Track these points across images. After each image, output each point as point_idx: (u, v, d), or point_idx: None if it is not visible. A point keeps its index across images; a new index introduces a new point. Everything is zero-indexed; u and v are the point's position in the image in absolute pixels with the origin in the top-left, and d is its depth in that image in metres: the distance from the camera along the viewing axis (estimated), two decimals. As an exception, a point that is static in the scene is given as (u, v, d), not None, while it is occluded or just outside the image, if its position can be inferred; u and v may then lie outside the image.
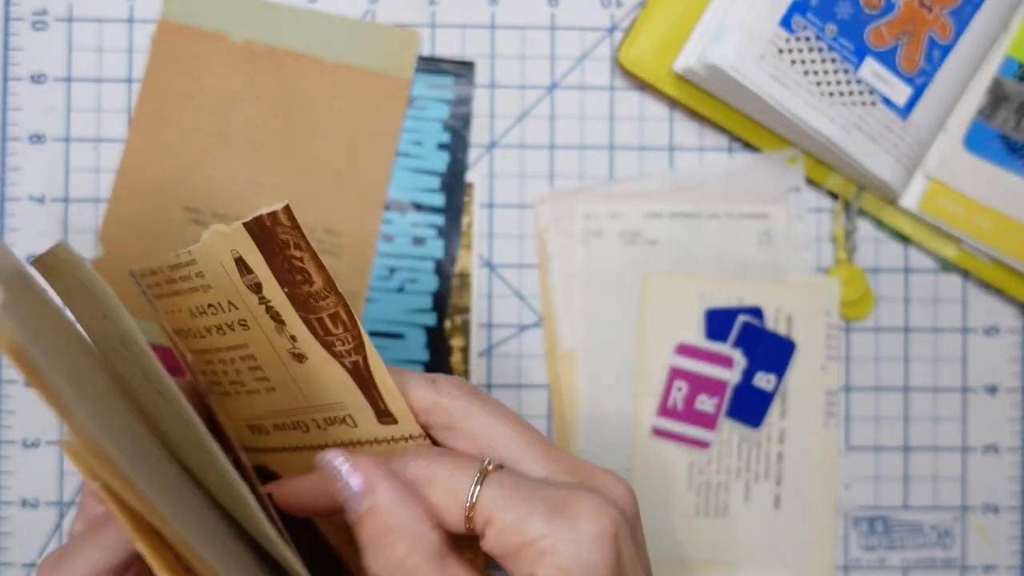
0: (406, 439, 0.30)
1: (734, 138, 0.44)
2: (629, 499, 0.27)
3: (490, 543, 0.26)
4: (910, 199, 0.43)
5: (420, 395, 0.28)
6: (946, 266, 0.45)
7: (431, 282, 0.44)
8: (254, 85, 0.43)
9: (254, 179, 0.43)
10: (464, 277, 0.44)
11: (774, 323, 0.43)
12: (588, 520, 0.25)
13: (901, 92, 0.41)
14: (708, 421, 0.43)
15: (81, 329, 0.31)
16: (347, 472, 0.26)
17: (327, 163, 0.43)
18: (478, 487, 0.26)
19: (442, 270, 0.44)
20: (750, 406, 0.43)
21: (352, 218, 0.43)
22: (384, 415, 0.29)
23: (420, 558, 0.25)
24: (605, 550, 0.25)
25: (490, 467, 0.26)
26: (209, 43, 0.43)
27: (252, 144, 0.43)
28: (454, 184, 0.44)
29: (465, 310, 0.44)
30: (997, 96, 0.43)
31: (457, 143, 0.44)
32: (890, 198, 0.44)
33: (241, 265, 0.27)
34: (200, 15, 0.43)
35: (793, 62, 0.40)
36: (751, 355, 0.43)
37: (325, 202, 0.43)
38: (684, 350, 0.43)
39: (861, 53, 0.41)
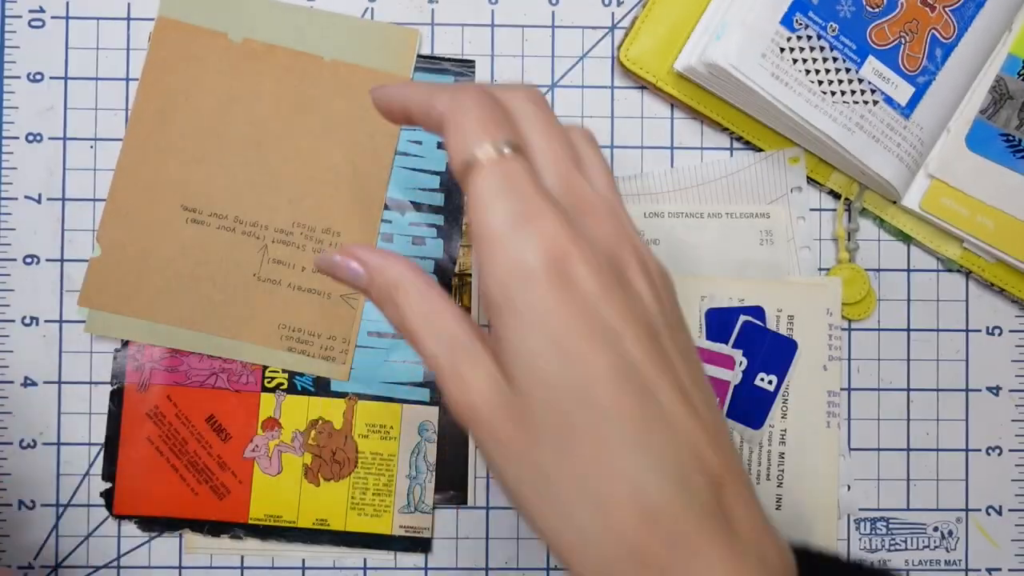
0: None
1: (735, 137, 0.44)
2: (610, 239, 0.27)
3: (467, 217, 0.26)
4: (912, 198, 0.43)
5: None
6: (948, 266, 0.45)
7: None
8: (253, 84, 0.42)
9: (252, 178, 0.42)
10: (464, 277, 0.44)
11: (775, 323, 0.43)
12: (542, 232, 0.24)
13: (903, 91, 0.41)
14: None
15: None
16: (343, 261, 0.28)
17: (326, 162, 0.43)
18: (484, 155, 0.25)
19: (442, 270, 0.43)
20: (751, 407, 0.43)
21: (351, 217, 0.42)
22: None
23: (414, 297, 0.27)
24: (545, 261, 0.24)
25: (506, 151, 0.26)
26: (208, 41, 0.42)
27: (250, 143, 0.42)
28: (454, 184, 0.43)
29: (465, 310, 0.44)
30: (1000, 95, 0.43)
31: (457, 142, 0.44)
32: (892, 197, 0.43)
33: None
34: (198, 13, 0.43)
35: (795, 61, 0.40)
36: (752, 355, 0.43)
37: (324, 201, 0.42)
38: (685, 350, 0.43)
39: (863, 52, 0.40)
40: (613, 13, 0.44)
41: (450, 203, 0.43)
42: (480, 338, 0.26)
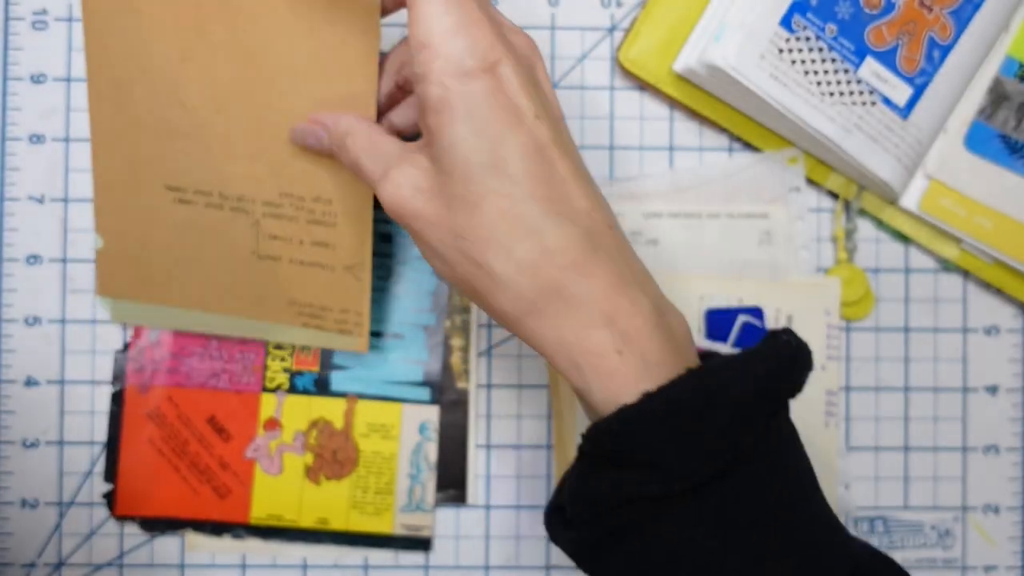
0: None
1: (734, 138, 0.44)
2: (527, 47, 0.32)
3: (407, 33, 0.30)
4: (910, 199, 0.43)
5: None
6: (946, 266, 0.45)
7: (431, 282, 0.44)
8: (203, 35, 0.36)
9: (226, 149, 0.37)
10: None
11: (774, 323, 0.43)
12: (475, 37, 0.29)
13: (901, 92, 0.41)
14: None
15: None
16: (309, 128, 0.35)
17: (301, 118, 0.36)
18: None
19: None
20: (750, 406, 0.43)
21: (341, 180, 0.37)
22: None
23: (358, 133, 0.33)
24: (475, 62, 0.29)
25: None
26: None
27: (215, 106, 0.37)
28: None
29: (465, 310, 0.44)
30: (997, 96, 0.43)
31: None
32: (890, 198, 0.44)
33: None
34: None
35: (793, 62, 0.40)
36: (751, 355, 0.43)
37: (309, 166, 0.37)
38: (684, 350, 0.43)
39: (861, 53, 0.41)
40: (612, 14, 0.44)
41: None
42: (409, 149, 0.31)
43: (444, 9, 0.29)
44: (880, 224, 0.45)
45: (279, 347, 0.44)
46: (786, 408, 0.30)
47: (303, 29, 0.35)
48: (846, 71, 0.41)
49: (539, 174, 0.29)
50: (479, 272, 0.29)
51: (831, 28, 0.40)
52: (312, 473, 0.44)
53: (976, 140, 0.43)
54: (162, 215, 0.39)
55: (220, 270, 0.40)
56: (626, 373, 0.28)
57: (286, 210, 0.38)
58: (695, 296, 0.43)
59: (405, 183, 0.30)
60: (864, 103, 0.41)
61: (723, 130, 0.44)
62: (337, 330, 0.40)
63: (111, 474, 0.43)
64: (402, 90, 0.36)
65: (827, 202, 0.45)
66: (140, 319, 0.42)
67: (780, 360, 0.29)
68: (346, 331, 0.40)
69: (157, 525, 0.43)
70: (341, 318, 0.40)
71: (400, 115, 0.36)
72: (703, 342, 0.43)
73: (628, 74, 0.44)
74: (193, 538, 0.44)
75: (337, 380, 0.44)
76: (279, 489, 0.44)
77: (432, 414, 0.44)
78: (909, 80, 0.41)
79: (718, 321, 0.43)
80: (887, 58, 0.41)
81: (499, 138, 0.29)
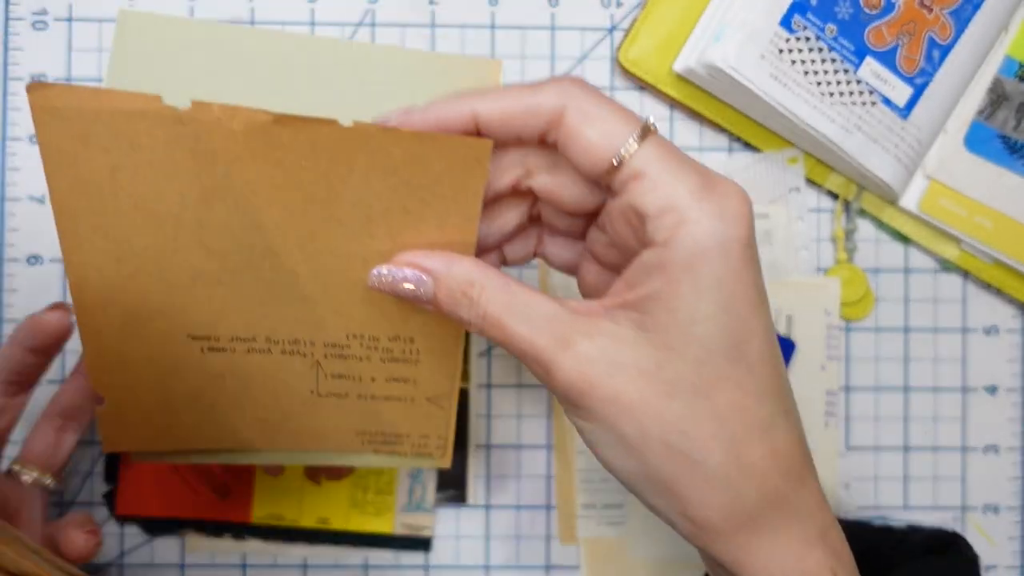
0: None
1: (734, 138, 0.44)
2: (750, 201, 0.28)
3: (632, 197, 0.26)
4: (910, 199, 0.43)
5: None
6: (946, 266, 0.45)
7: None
8: (233, 175, 0.27)
9: (275, 292, 0.30)
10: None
11: (774, 323, 0.43)
12: (735, 199, 0.25)
13: (901, 92, 0.41)
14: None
15: None
16: (399, 274, 0.28)
17: (378, 258, 0.29)
18: (637, 141, 0.26)
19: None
20: (750, 406, 0.43)
21: (426, 318, 0.31)
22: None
23: (488, 289, 0.27)
24: (743, 229, 0.25)
25: (652, 127, 0.26)
26: (144, 107, 0.26)
27: (257, 250, 0.29)
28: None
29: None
30: (997, 96, 0.43)
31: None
32: (890, 198, 0.44)
33: None
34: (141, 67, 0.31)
35: (793, 62, 0.40)
36: (751, 355, 0.43)
37: (387, 305, 0.30)
38: (684, 350, 0.43)
39: (861, 53, 0.41)
40: (612, 15, 0.44)
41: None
42: (592, 312, 0.26)
43: (688, 169, 0.25)
44: (880, 224, 0.45)
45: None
46: None
47: (389, 167, 0.27)
48: (846, 71, 0.41)
49: (772, 363, 0.26)
50: (688, 473, 0.25)
51: (831, 28, 0.40)
52: (312, 473, 0.44)
53: (976, 140, 0.43)
54: (187, 365, 0.32)
55: (270, 411, 0.34)
56: None
57: (355, 350, 0.32)
58: (695, 296, 0.43)
59: (600, 358, 0.25)
60: (864, 103, 0.41)
61: (723, 130, 0.44)
62: (415, 454, 0.35)
63: (111, 474, 0.43)
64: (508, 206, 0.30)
65: (827, 202, 0.45)
66: (166, 458, 0.36)
67: None
68: (425, 455, 0.35)
69: (157, 525, 0.43)
70: (420, 443, 0.35)
71: (519, 249, 0.31)
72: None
73: (628, 74, 0.44)
74: (193, 538, 0.44)
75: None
76: (279, 489, 0.44)
77: (432, 414, 0.44)
78: (909, 80, 0.41)
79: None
80: (887, 58, 0.41)
81: (745, 319, 0.25)
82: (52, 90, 0.25)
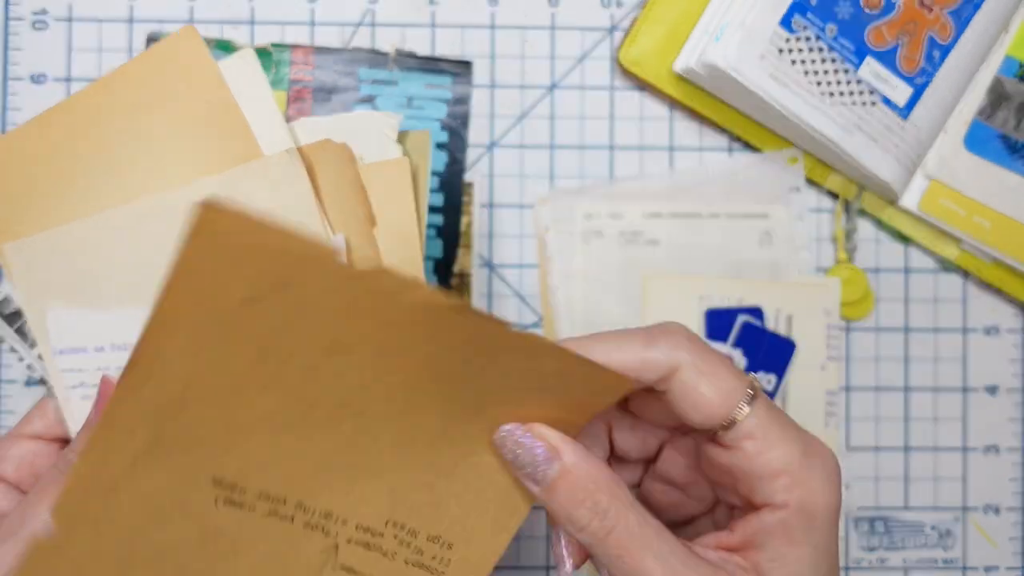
0: None
1: (734, 138, 0.44)
2: None
3: (738, 459, 0.27)
4: (910, 199, 0.43)
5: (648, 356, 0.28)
6: (946, 266, 0.45)
7: (431, 282, 0.44)
8: (395, 342, 0.25)
9: (341, 456, 0.28)
10: (464, 277, 0.44)
11: (774, 323, 0.43)
12: (831, 464, 0.27)
13: (901, 92, 0.41)
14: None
15: None
16: (530, 442, 0.27)
17: (460, 433, 0.28)
18: (748, 404, 0.27)
19: (442, 270, 0.44)
20: (750, 406, 0.43)
21: (475, 523, 0.28)
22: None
23: (621, 505, 0.26)
24: (838, 494, 0.27)
25: (759, 385, 0.28)
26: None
27: (348, 411, 0.27)
28: (453, 183, 0.44)
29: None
30: (997, 96, 0.43)
31: (455, 143, 0.44)
32: (890, 198, 0.44)
33: None
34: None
35: (793, 62, 0.40)
36: (751, 355, 0.43)
37: (443, 497, 0.28)
38: (684, 350, 0.43)
39: (861, 53, 0.41)
40: (612, 14, 0.44)
41: (449, 203, 0.44)
42: (703, 557, 0.27)
43: (794, 432, 0.28)
44: (880, 224, 0.45)
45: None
46: None
47: (535, 371, 0.26)
48: (846, 71, 0.41)
49: None
50: None
51: (831, 28, 0.40)
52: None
53: (976, 140, 0.43)
54: (186, 512, 0.27)
55: None
56: None
57: (386, 542, 0.28)
58: (695, 296, 0.43)
59: None
60: (864, 103, 0.41)
61: (723, 130, 0.44)
62: None
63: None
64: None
65: (827, 202, 0.45)
66: None
67: None
68: None
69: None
70: None
71: (671, 465, 0.31)
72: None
73: (628, 74, 0.44)
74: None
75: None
76: None
77: (432, 414, 0.43)
78: (909, 80, 0.41)
79: (718, 321, 0.43)
80: (887, 58, 0.41)
81: (835, 566, 0.28)
82: (225, 215, 0.21)
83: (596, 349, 0.27)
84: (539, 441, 0.27)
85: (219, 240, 0.21)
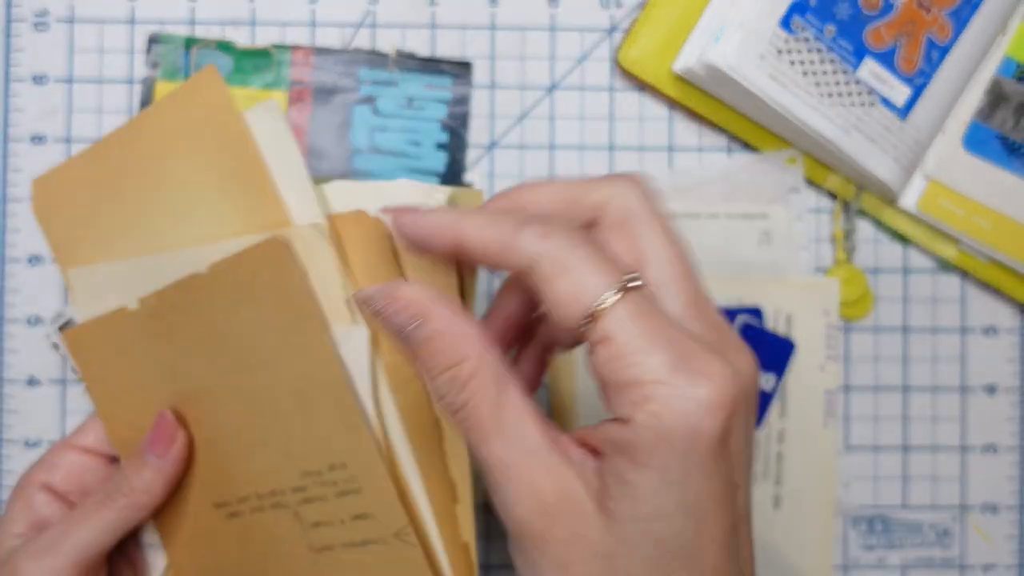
0: None
1: (733, 138, 0.44)
2: (754, 378, 0.25)
3: (596, 361, 0.24)
4: (909, 199, 0.43)
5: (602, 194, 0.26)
6: (945, 266, 0.45)
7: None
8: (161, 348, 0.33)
9: (240, 447, 0.33)
10: (464, 277, 0.44)
11: (773, 323, 0.44)
12: (711, 384, 0.23)
13: (900, 92, 0.41)
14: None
15: None
16: (395, 306, 0.25)
17: (272, 394, 0.31)
18: (612, 298, 0.23)
19: (442, 270, 0.44)
20: (749, 406, 0.43)
21: (344, 433, 0.31)
22: None
23: (484, 378, 0.24)
24: (716, 421, 0.22)
25: (632, 284, 0.24)
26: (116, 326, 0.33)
27: (205, 424, 0.33)
28: (453, 184, 0.44)
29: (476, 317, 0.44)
30: (996, 96, 0.43)
31: (455, 143, 0.44)
32: (889, 198, 0.44)
33: None
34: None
35: (792, 63, 0.40)
36: (750, 355, 0.43)
37: (312, 432, 0.31)
38: (683, 350, 0.43)
39: (860, 54, 0.41)
40: (612, 15, 0.44)
41: (449, 203, 0.44)
42: (558, 450, 0.24)
43: (667, 338, 0.23)
44: (879, 224, 0.45)
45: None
46: None
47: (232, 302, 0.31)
48: (845, 72, 0.41)
49: (726, 567, 0.24)
50: None
51: (830, 29, 0.40)
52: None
53: (974, 140, 0.43)
54: (221, 536, 0.34)
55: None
56: None
57: (314, 491, 0.32)
58: (694, 296, 0.43)
59: (562, 521, 0.24)
60: (863, 104, 0.41)
61: (722, 130, 0.44)
62: None
63: (112, 473, 0.44)
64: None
65: (826, 202, 0.45)
66: None
67: None
68: None
69: (158, 524, 0.44)
70: None
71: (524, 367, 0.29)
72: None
73: (628, 75, 0.44)
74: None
75: None
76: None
77: (432, 414, 0.44)
78: (908, 80, 0.41)
79: (717, 321, 0.43)
80: (886, 59, 0.41)
81: (706, 522, 0.23)
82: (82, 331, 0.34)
83: (469, 228, 0.25)
84: (403, 303, 0.25)
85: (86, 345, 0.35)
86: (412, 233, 0.27)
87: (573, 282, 0.23)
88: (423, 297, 0.25)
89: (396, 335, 0.25)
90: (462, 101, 0.44)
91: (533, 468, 0.24)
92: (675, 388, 0.22)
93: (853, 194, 0.44)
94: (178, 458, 0.33)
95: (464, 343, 0.24)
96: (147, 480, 0.32)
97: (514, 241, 0.24)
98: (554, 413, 0.44)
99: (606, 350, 0.23)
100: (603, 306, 0.23)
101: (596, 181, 0.26)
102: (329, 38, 0.44)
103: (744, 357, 0.25)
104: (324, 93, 0.44)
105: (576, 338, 0.25)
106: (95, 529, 0.32)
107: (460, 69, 0.44)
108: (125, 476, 0.33)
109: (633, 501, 0.23)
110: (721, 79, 0.41)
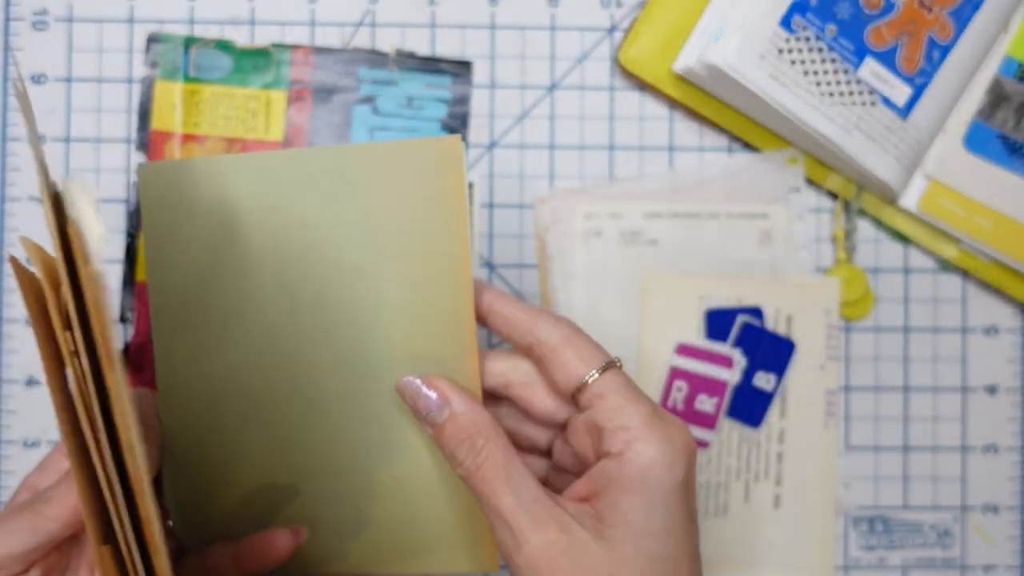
0: None
1: (734, 138, 0.44)
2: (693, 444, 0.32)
3: (591, 414, 0.31)
4: (910, 199, 0.43)
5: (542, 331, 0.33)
6: (946, 266, 0.45)
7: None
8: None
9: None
10: (464, 277, 0.44)
11: (774, 323, 0.44)
12: (679, 433, 0.30)
13: (901, 92, 0.41)
14: (708, 421, 0.43)
15: None
16: (425, 389, 0.32)
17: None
18: (600, 372, 0.31)
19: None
20: (750, 406, 0.43)
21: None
22: None
23: (494, 447, 0.31)
24: (685, 463, 0.30)
25: (618, 363, 0.32)
26: None
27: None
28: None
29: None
30: (997, 96, 0.43)
31: (457, 143, 0.44)
32: (890, 198, 0.44)
33: None
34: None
35: (793, 62, 0.40)
36: (751, 355, 0.43)
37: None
38: (684, 350, 0.43)
39: (861, 53, 0.41)
40: (612, 15, 0.44)
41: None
42: (557, 503, 0.30)
43: (643, 400, 0.31)
44: (879, 224, 0.45)
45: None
46: None
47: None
48: (846, 71, 0.41)
49: (694, 569, 0.30)
50: None
51: (831, 28, 0.40)
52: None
53: (975, 140, 0.43)
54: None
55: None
56: None
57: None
58: (695, 296, 0.43)
59: (566, 551, 0.29)
60: (864, 103, 0.41)
61: (723, 130, 0.44)
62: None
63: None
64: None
65: (826, 202, 0.45)
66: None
67: None
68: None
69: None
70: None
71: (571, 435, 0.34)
72: (703, 342, 0.43)
73: (628, 74, 0.44)
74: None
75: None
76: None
77: (432, 414, 0.44)
78: (909, 80, 0.41)
79: (718, 321, 0.43)
80: (887, 58, 0.41)
81: (682, 540, 0.30)
82: None
83: (497, 301, 0.33)
84: (433, 391, 0.32)
85: None
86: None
87: (573, 356, 0.32)
88: (447, 387, 0.32)
89: (426, 415, 0.32)
90: (462, 101, 0.44)
91: (539, 513, 0.29)
92: (654, 433, 0.30)
93: (854, 194, 0.44)
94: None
95: (479, 420, 0.31)
96: (54, 506, 0.31)
97: (535, 329, 0.32)
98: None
99: (601, 403, 0.31)
100: (596, 377, 0.31)
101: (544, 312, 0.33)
102: (329, 37, 0.44)
103: (682, 422, 0.32)
104: (324, 93, 0.44)
105: (567, 399, 0.33)
106: (12, 533, 0.31)
107: (460, 69, 0.44)
108: (43, 494, 0.32)
109: (627, 524, 0.29)
110: (721, 79, 0.41)
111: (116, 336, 0.30)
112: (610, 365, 0.32)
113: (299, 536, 0.36)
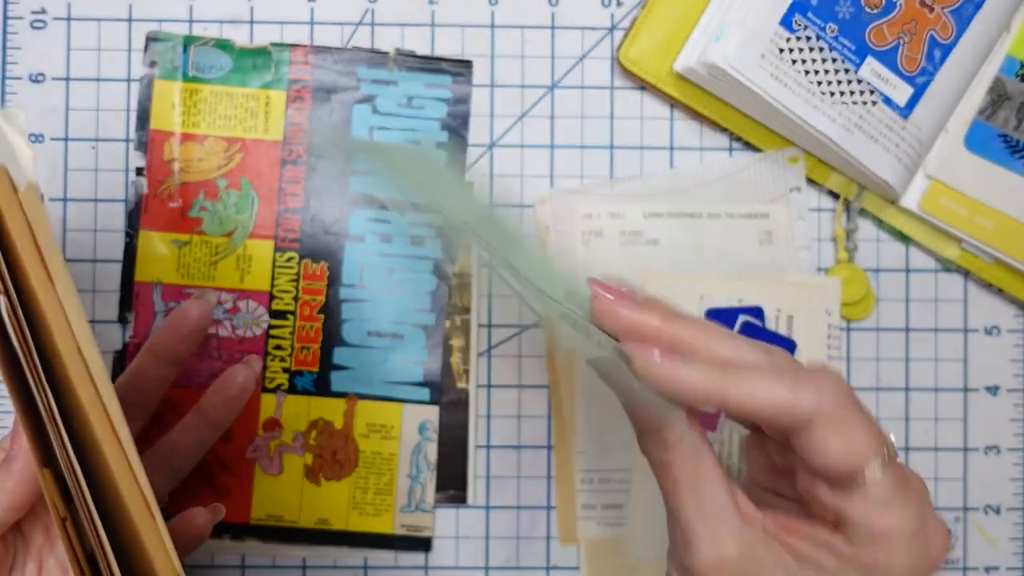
0: None
1: (735, 138, 0.44)
2: None
3: (866, 516, 0.28)
4: (911, 199, 0.43)
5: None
6: (947, 266, 0.45)
7: (430, 282, 0.44)
8: None
9: None
10: (464, 277, 0.44)
11: (775, 323, 0.43)
12: (938, 553, 0.29)
13: (902, 92, 0.41)
14: (709, 421, 0.43)
15: None
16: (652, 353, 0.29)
17: None
18: (880, 469, 0.27)
19: (441, 270, 0.44)
20: (751, 406, 0.43)
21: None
22: None
23: (686, 447, 0.29)
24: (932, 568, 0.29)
25: (895, 452, 0.28)
26: None
27: None
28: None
29: (465, 310, 0.44)
30: (998, 95, 0.43)
31: (455, 142, 0.44)
32: (891, 198, 0.43)
33: None
34: None
35: (794, 61, 0.40)
36: (752, 355, 0.43)
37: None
38: (684, 350, 0.43)
39: (862, 52, 0.41)
40: (613, 14, 0.44)
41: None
42: (746, 515, 0.28)
43: (898, 506, 0.28)
44: (880, 224, 0.45)
45: (279, 347, 0.44)
46: None
47: None
48: (847, 71, 0.40)
49: None
50: None
51: (832, 28, 0.40)
52: (312, 473, 0.44)
53: (976, 140, 0.43)
54: None
55: None
56: None
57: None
58: (695, 296, 0.43)
59: (742, 566, 0.28)
60: (865, 103, 0.41)
61: (724, 130, 0.44)
62: None
63: (110, 474, 0.43)
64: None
65: (827, 202, 0.45)
66: None
67: None
68: None
69: (156, 526, 0.43)
70: None
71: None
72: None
73: (628, 74, 0.44)
74: (192, 538, 0.43)
75: (337, 380, 0.44)
76: (279, 489, 0.44)
77: (432, 414, 0.44)
78: (910, 80, 0.41)
79: (718, 321, 0.43)
80: (888, 58, 0.41)
81: None
82: None
83: (743, 386, 0.28)
84: (660, 359, 0.28)
85: None
86: (670, 388, 0.29)
87: (849, 445, 0.27)
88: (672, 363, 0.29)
89: (640, 366, 0.29)
90: (462, 100, 0.44)
91: (720, 527, 0.28)
92: (915, 548, 0.27)
93: (855, 193, 0.44)
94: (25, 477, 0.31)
95: (673, 417, 0.29)
96: (8, 486, 0.31)
97: (794, 397, 0.27)
98: (554, 416, 0.44)
99: (865, 507, 0.27)
100: (875, 475, 0.27)
101: (798, 380, 0.28)
102: (328, 37, 0.44)
103: (946, 528, 0.29)
104: (323, 92, 0.44)
105: (825, 476, 0.28)
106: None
107: (460, 68, 0.44)
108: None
109: None
110: (722, 78, 0.41)
111: (57, 249, 0.29)
112: (890, 459, 0.28)
113: (217, 513, 0.36)
